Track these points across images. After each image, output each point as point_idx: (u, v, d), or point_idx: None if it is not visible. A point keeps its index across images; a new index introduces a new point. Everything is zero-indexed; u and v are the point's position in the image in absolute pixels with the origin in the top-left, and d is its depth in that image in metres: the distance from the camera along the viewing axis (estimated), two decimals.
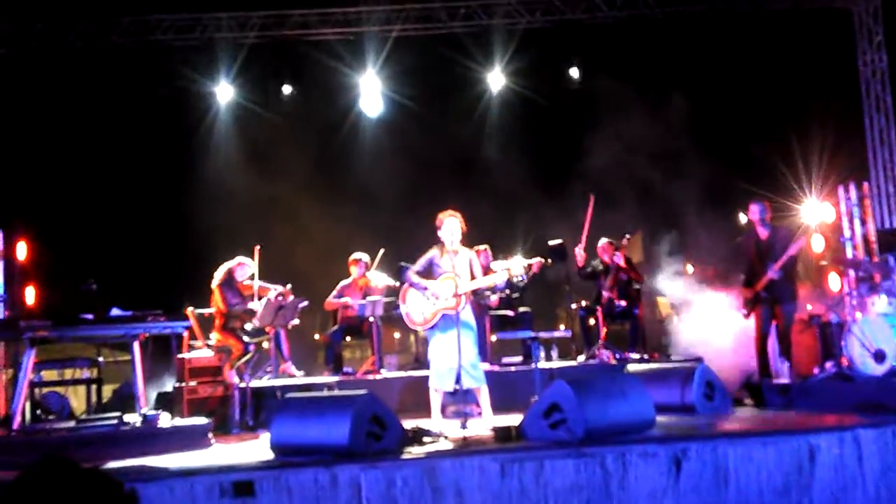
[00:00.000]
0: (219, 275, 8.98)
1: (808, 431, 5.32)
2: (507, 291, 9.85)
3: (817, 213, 10.86)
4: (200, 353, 8.45)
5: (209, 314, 8.98)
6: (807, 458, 5.12)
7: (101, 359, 8.36)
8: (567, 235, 10.37)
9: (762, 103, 12.31)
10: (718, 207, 11.51)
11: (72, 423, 6.85)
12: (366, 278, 9.69)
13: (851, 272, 8.63)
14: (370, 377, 8.92)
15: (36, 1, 11.81)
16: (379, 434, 5.41)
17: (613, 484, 4.93)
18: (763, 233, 8.23)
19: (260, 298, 8.98)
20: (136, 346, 6.85)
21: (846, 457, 5.16)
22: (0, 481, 2.26)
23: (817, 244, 10.07)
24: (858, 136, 12.48)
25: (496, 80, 13.02)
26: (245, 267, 9.05)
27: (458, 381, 6.63)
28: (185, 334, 8.44)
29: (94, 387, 8.17)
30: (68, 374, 8.10)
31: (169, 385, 8.69)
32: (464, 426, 6.06)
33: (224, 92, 12.75)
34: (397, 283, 8.92)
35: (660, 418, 6.03)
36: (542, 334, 8.10)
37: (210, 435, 6.52)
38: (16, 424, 6.36)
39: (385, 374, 9.18)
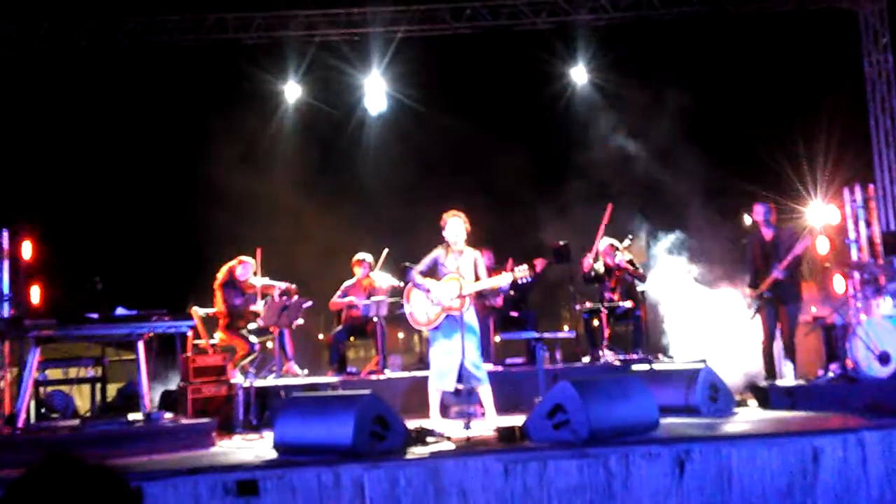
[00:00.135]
0: (220, 275, 9.01)
1: (812, 433, 5.31)
2: (512, 292, 9.86)
3: (822, 214, 10.85)
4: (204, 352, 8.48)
5: (213, 314, 9.00)
6: (811, 460, 5.11)
7: (105, 358, 8.37)
8: (570, 235, 10.38)
9: (767, 105, 12.31)
10: (723, 208, 11.49)
11: (76, 422, 6.88)
12: (370, 278, 9.70)
13: (856, 274, 8.62)
14: (374, 377, 8.93)
15: (42, 1, 11.84)
16: (382, 434, 5.42)
17: (617, 485, 4.93)
18: (767, 234, 8.23)
19: (264, 296, 9.00)
20: (141, 345, 6.86)
21: (850, 459, 5.15)
22: (5, 479, 2.27)
23: (822, 246, 10.06)
24: (864, 137, 12.45)
25: (501, 80, 13.03)
26: (246, 265, 9.06)
27: (459, 380, 6.64)
28: (190, 334, 8.46)
29: (98, 386, 8.18)
30: (73, 372, 8.10)
31: (173, 384, 8.70)
32: (467, 426, 6.06)
33: (228, 94, 12.76)
34: (401, 284, 8.93)
35: (664, 420, 6.03)
36: (546, 335, 8.09)
37: (214, 434, 6.52)
38: (20, 423, 6.37)
39: (389, 374, 9.19)
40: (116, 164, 12.18)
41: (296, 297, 8.84)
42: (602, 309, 9.67)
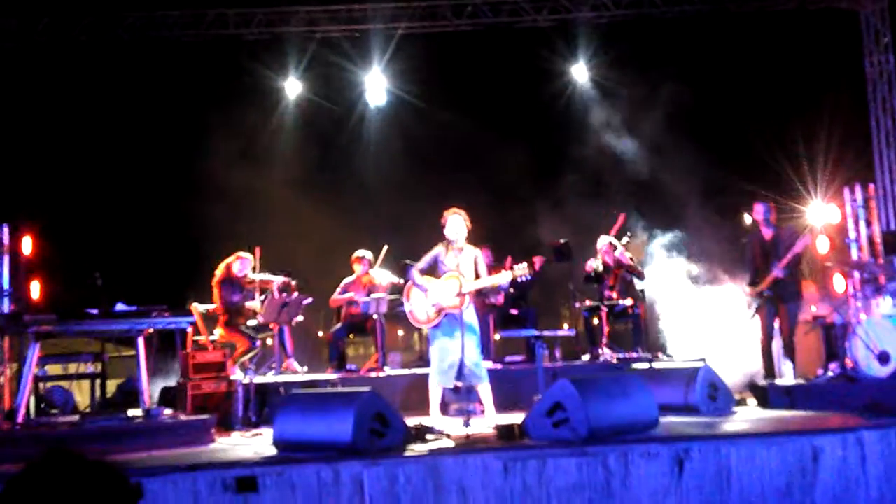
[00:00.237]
0: (218, 272, 9.01)
1: (811, 433, 5.32)
2: (512, 290, 9.86)
3: (823, 214, 10.85)
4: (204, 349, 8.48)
5: (213, 310, 9.00)
6: (810, 460, 5.11)
7: (105, 354, 8.37)
8: (569, 233, 10.38)
9: (768, 104, 12.30)
10: (723, 207, 11.50)
11: (76, 418, 6.88)
12: (369, 276, 9.69)
13: (856, 273, 8.62)
14: (374, 374, 8.93)
15: None
16: (382, 431, 5.42)
17: (616, 483, 4.94)
18: (767, 233, 8.23)
19: (263, 292, 9.00)
20: (141, 341, 6.86)
21: (849, 458, 5.16)
22: (5, 474, 2.27)
23: (822, 245, 10.06)
24: (864, 137, 12.45)
25: (502, 77, 13.03)
26: (244, 261, 9.06)
27: (459, 377, 6.64)
28: (190, 330, 8.46)
29: (98, 381, 8.18)
30: (72, 368, 8.11)
31: (173, 380, 8.70)
32: (466, 424, 6.07)
33: (228, 90, 12.76)
34: (401, 281, 8.93)
35: (663, 418, 6.03)
36: (546, 333, 8.09)
37: (213, 431, 6.53)
38: (20, 418, 6.37)
39: (389, 371, 9.19)
40: (116, 160, 12.17)
41: (296, 294, 8.83)
42: (602, 307, 9.68)
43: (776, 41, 12.17)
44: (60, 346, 8.32)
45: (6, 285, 9.17)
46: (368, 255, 9.79)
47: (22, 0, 11.78)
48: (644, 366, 8.38)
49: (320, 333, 11.97)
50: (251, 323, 8.98)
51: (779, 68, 12.19)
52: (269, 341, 9.15)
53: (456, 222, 6.98)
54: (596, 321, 9.74)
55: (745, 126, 12.17)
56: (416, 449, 5.36)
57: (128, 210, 12.17)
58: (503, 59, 12.80)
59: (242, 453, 5.69)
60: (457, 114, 12.88)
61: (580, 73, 13.35)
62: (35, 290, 9.60)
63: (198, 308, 8.75)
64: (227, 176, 11.84)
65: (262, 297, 8.98)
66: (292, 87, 13.23)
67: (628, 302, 9.63)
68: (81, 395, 8.83)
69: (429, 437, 5.71)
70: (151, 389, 7.57)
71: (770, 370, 8.16)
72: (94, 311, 6.60)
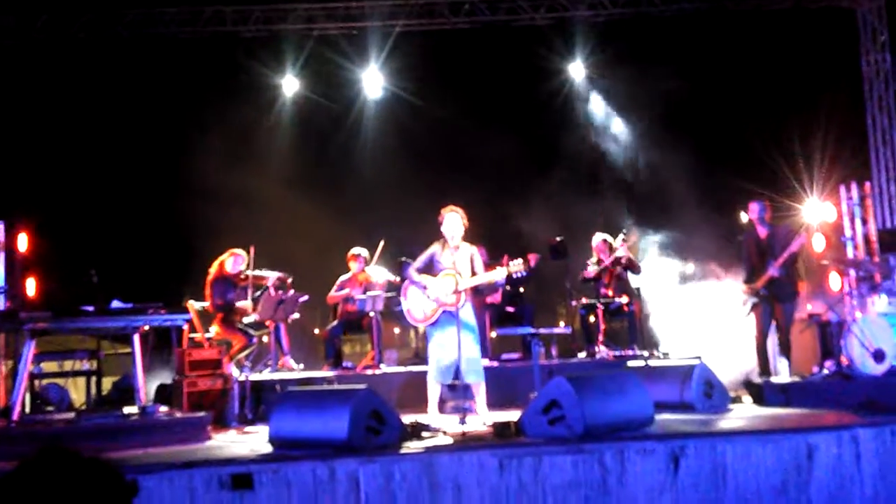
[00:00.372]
0: (212, 270, 9.00)
1: (806, 430, 5.33)
2: (509, 288, 9.87)
3: (818, 212, 10.86)
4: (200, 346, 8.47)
5: (207, 308, 8.99)
6: (805, 457, 5.12)
7: (101, 351, 8.36)
8: (565, 230, 10.39)
9: (765, 102, 12.31)
10: (718, 205, 11.51)
11: (71, 415, 6.87)
12: (365, 273, 9.69)
13: (852, 272, 8.62)
14: (370, 372, 8.93)
15: None
16: (378, 429, 5.42)
17: (612, 480, 4.94)
18: (762, 231, 8.23)
19: (257, 289, 8.99)
20: (137, 338, 6.85)
21: (844, 456, 5.17)
22: (0, 471, 2.27)
23: (818, 243, 10.07)
24: (861, 135, 12.47)
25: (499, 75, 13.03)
26: (237, 258, 9.05)
27: (457, 375, 6.64)
28: (185, 327, 8.46)
29: (93, 379, 8.18)
30: (68, 365, 8.10)
31: (168, 378, 8.70)
32: (462, 422, 6.07)
33: (225, 87, 12.74)
34: (397, 278, 8.94)
35: (658, 416, 6.04)
36: (542, 331, 8.11)
37: (209, 428, 6.53)
38: (15, 415, 6.36)
39: (385, 369, 9.19)
40: (113, 157, 12.14)
41: (292, 292, 8.83)
42: (598, 305, 9.69)
43: (773, 39, 12.17)
44: (56, 343, 8.31)
45: (2, 282, 9.15)
46: (364, 252, 9.79)
47: None
48: (640, 363, 8.39)
49: (316, 331, 11.97)
50: (247, 320, 8.98)
51: (775, 66, 12.19)
52: (264, 338, 9.15)
53: (453, 220, 6.97)
54: (592, 319, 9.75)
55: (741, 124, 12.18)
56: (412, 446, 5.36)
57: (124, 207, 12.14)
58: (500, 57, 12.79)
59: (238, 450, 5.69)
60: (453, 111, 12.87)
61: (577, 71, 13.36)
62: (31, 287, 9.58)
63: (194, 305, 8.75)
64: (223, 173, 11.81)
65: (258, 293, 8.98)
66: (289, 85, 13.23)
67: (624, 300, 9.65)
68: (77, 392, 8.82)
69: (424, 434, 5.71)
70: (147, 387, 7.58)
71: (766, 368, 8.17)
72: (90, 309, 6.59)
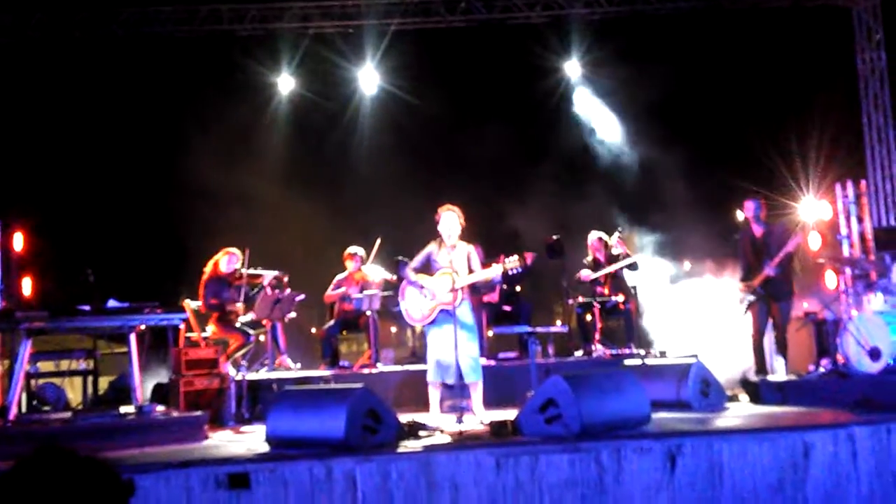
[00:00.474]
0: (207, 269, 8.98)
1: (802, 428, 5.34)
2: (505, 286, 9.87)
3: (814, 210, 10.89)
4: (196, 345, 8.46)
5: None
6: (801, 455, 5.13)
7: (97, 350, 8.34)
8: (560, 229, 10.40)
9: (760, 100, 12.33)
10: (714, 204, 11.52)
11: (68, 415, 6.86)
12: (362, 272, 9.68)
13: (848, 270, 8.65)
14: (366, 371, 8.92)
15: None
16: (375, 428, 5.42)
17: (608, 479, 4.95)
18: (758, 230, 8.23)
19: (252, 288, 8.98)
20: (133, 337, 6.84)
21: (840, 454, 5.18)
22: None
23: (814, 242, 10.09)
24: (856, 134, 12.49)
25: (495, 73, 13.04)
26: (232, 256, 9.04)
27: (456, 375, 6.64)
28: (182, 326, 8.44)
29: (90, 378, 8.15)
30: (65, 365, 8.07)
31: (165, 377, 8.69)
32: (459, 420, 6.07)
33: (221, 85, 12.73)
34: (393, 277, 8.93)
35: (655, 414, 6.04)
36: (539, 329, 8.10)
37: (206, 427, 6.52)
38: (12, 415, 6.35)
39: (381, 368, 9.18)
40: (109, 156, 12.13)
41: (288, 291, 8.82)
42: (595, 303, 9.69)
43: (769, 38, 12.20)
44: (52, 342, 8.29)
45: None
46: (360, 251, 9.78)
47: None
48: (636, 362, 8.40)
49: (313, 330, 11.97)
50: (244, 319, 8.97)
51: (771, 65, 12.22)
52: (261, 338, 9.14)
53: (450, 219, 6.98)
54: (589, 317, 9.75)
55: (737, 122, 12.21)
56: (409, 445, 5.36)
57: (120, 206, 12.13)
58: (496, 56, 12.80)
59: (235, 450, 5.69)
60: (449, 110, 12.88)
61: (573, 69, 13.36)
62: (27, 286, 9.57)
63: (190, 304, 8.73)
64: (219, 172, 11.80)
65: (255, 291, 8.97)
66: (285, 83, 13.22)
67: (620, 298, 9.65)
68: (73, 391, 8.80)
69: (421, 433, 5.71)
70: (144, 386, 7.57)
71: (762, 366, 8.18)
72: (86, 308, 6.59)
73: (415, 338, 10.20)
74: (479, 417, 6.58)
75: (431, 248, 7.04)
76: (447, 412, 7.15)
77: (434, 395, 6.96)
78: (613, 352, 9.32)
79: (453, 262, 6.86)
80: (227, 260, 9.01)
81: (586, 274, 9.92)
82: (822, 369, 7.69)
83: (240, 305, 8.88)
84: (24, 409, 7.36)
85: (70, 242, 11.20)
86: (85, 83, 12.01)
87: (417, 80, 12.97)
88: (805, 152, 11.78)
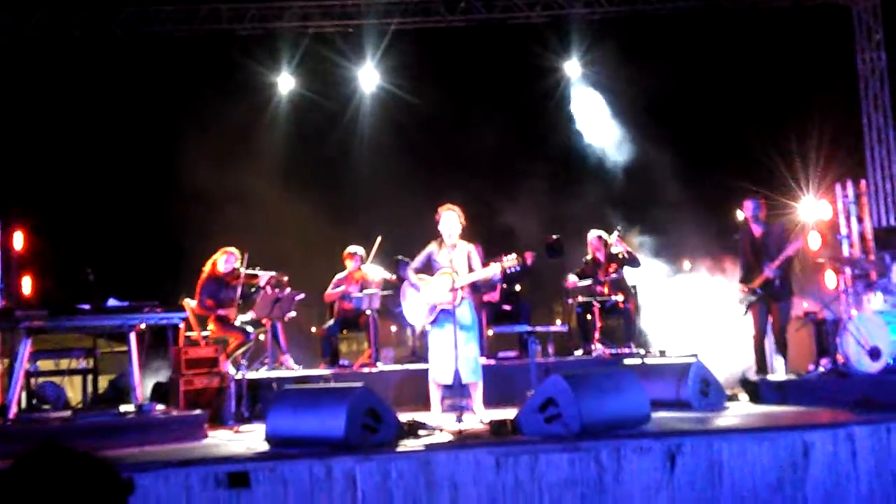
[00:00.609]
0: (205, 269, 8.97)
1: (802, 428, 5.33)
2: (505, 286, 9.87)
3: (814, 210, 10.88)
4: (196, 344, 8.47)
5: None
6: (801, 455, 5.13)
7: (97, 349, 8.35)
8: (559, 229, 10.40)
9: (760, 100, 12.33)
10: (714, 203, 11.53)
11: (67, 413, 6.86)
12: (361, 271, 9.68)
13: (848, 270, 8.64)
14: (366, 370, 8.92)
15: None
16: (374, 427, 5.42)
17: (608, 478, 4.95)
18: (757, 230, 8.23)
19: (250, 288, 8.98)
20: (133, 336, 6.85)
21: (840, 454, 5.17)
22: None
23: (814, 241, 10.09)
24: (856, 134, 12.49)
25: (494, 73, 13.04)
26: (230, 256, 9.03)
27: (457, 375, 6.64)
28: (182, 325, 8.44)
29: (90, 377, 8.16)
30: (64, 364, 8.09)
31: (165, 376, 8.69)
32: (459, 420, 6.07)
33: (221, 85, 12.73)
34: (393, 276, 8.92)
35: (655, 414, 6.04)
36: (539, 328, 8.10)
37: (205, 426, 6.52)
38: (11, 414, 6.35)
39: (381, 367, 9.18)
40: (109, 155, 12.13)
41: (288, 290, 8.82)
42: (594, 303, 9.69)
43: (769, 38, 12.20)
44: (52, 341, 8.29)
45: None
46: (360, 250, 9.78)
47: None
48: (636, 361, 8.40)
49: (313, 329, 11.97)
50: (244, 318, 8.97)
51: (771, 65, 12.22)
52: (261, 336, 9.14)
53: (450, 218, 6.98)
54: (588, 317, 9.75)
55: (737, 122, 12.20)
56: (409, 444, 5.36)
57: (119, 205, 12.13)
58: (496, 55, 12.80)
59: (235, 449, 5.69)
60: (449, 109, 12.88)
61: (573, 69, 13.36)
62: (27, 285, 9.57)
63: (189, 304, 8.74)
64: (219, 172, 11.81)
65: (252, 291, 8.96)
66: (285, 83, 13.22)
67: (619, 297, 9.65)
68: (73, 390, 8.81)
69: (421, 432, 5.71)
70: (143, 385, 7.57)
71: (762, 366, 8.18)
72: (86, 307, 6.59)
73: (415, 337, 10.20)
74: (479, 417, 6.58)
75: (432, 247, 7.05)
76: (447, 411, 7.15)
77: (435, 393, 6.96)
78: (613, 351, 9.31)
79: (454, 261, 6.86)
80: (226, 259, 9.01)
81: (573, 280, 9.91)
82: (821, 369, 7.69)
83: (233, 310, 8.87)
84: (23, 408, 7.36)
85: (70, 242, 11.20)
86: (84, 83, 12.01)
87: (417, 79, 12.97)
88: (805, 152, 11.78)
